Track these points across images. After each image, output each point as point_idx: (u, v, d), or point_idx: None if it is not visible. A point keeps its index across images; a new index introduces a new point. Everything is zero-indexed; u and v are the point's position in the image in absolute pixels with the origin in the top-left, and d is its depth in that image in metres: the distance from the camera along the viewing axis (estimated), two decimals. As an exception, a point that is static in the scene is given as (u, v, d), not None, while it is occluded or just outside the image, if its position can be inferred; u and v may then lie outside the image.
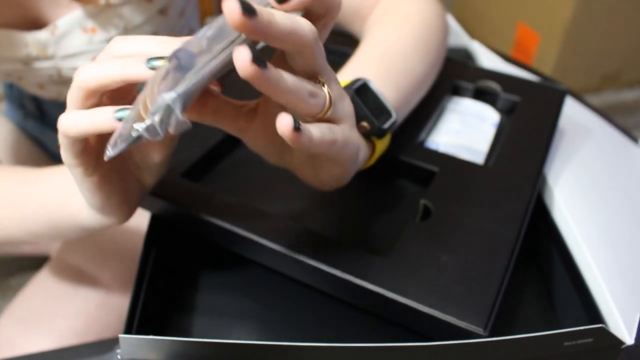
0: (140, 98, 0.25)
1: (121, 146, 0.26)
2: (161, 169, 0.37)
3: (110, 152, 0.26)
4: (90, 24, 0.51)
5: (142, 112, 0.25)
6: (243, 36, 0.26)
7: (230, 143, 0.50)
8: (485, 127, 0.52)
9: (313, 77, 0.29)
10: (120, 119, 0.27)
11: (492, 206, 0.41)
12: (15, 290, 0.97)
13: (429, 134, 0.52)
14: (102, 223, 0.38)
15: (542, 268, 0.45)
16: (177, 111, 0.24)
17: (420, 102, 0.50)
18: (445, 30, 0.52)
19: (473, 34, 0.79)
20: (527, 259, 0.46)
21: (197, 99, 0.31)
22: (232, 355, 0.33)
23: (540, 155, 0.46)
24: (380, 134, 0.39)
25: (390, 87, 0.43)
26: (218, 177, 0.48)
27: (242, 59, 0.23)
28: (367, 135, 0.39)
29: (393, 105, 0.41)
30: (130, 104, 0.27)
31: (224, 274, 0.45)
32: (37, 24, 0.51)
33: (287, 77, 0.26)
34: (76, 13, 0.51)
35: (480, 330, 0.32)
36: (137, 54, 0.28)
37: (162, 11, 0.57)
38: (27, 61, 0.52)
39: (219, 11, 1.03)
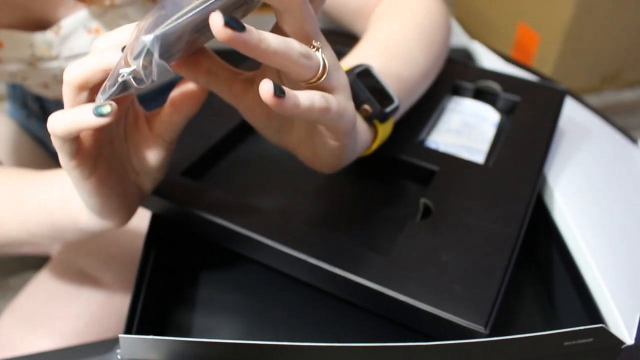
0: (128, 46, 0.26)
1: (110, 91, 0.27)
2: (159, 173, 0.37)
3: (100, 98, 0.27)
4: (94, 24, 0.52)
5: (128, 58, 0.26)
6: None
7: (230, 142, 0.50)
8: (486, 127, 0.52)
9: (307, 42, 0.29)
10: (99, 114, 0.27)
11: (492, 205, 0.41)
12: (15, 290, 0.97)
13: (429, 133, 0.52)
14: (101, 226, 0.38)
15: (542, 268, 0.45)
16: (156, 54, 0.25)
17: (421, 100, 0.50)
18: (447, 27, 0.52)
19: (473, 34, 0.79)
20: (527, 259, 0.46)
21: (190, 56, 0.31)
22: (232, 355, 0.33)
23: (540, 155, 0.46)
24: (382, 117, 0.39)
25: (392, 75, 0.43)
26: (218, 175, 0.48)
27: (216, 23, 0.24)
28: (369, 119, 0.39)
29: (395, 92, 0.41)
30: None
31: (224, 273, 0.45)
32: (42, 24, 0.51)
33: (272, 38, 0.26)
34: (80, 14, 0.51)
35: (480, 329, 0.32)
36: (116, 45, 0.28)
37: None
38: (32, 61, 0.52)
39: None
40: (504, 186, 0.43)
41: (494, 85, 0.55)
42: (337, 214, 0.44)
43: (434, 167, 0.45)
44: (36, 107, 0.71)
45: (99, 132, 0.32)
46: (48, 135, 0.73)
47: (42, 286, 0.61)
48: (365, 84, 0.39)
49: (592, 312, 0.38)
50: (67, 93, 0.29)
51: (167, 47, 0.26)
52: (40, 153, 0.74)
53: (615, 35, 1.46)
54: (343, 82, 0.32)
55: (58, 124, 0.29)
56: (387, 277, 0.35)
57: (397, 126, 0.44)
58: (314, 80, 0.29)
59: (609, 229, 0.42)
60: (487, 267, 0.36)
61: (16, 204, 0.42)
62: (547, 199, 0.46)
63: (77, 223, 0.39)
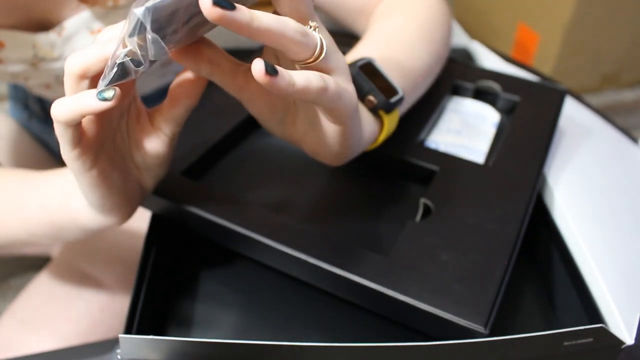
0: (123, 28, 0.26)
1: (109, 76, 0.27)
2: (161, 169, 0.37)
3: (101, 84, 0.27)
4: (97, 25, 0.52)
5: (125, 40, 0.26)
6: None
7: (230, 142, 0.50)
8: (486, 126, 0.52)
9: (303, 22, 0.29)
10: (102, 99, 0.27)
11: (492, 205, 0.41)
12: (15, 290, 0.97)
13: (429, 133, 0.52)
14: (101, 223, 0.38)
15: (542, 268, 0.45)
16: (148, 26, 0.25)
17: (421, 100, 0.50)
18: (449, 25, 0.53)
19: (473, 34, 0.79)
20: (527, 259, 0.46)
21: (190, 45, 0.31)
22: (232, 355, 0.33)
23: (540, 155, 0.46)
24: (388, 107, 0.39)
25: (395, 68, 0.43)
26: (217, 175, 0.48)
27: (205, 2, 0.24)
28: (374, 110, 0.39)
29: (399, 85, 0.41)
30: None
31: (224, 272, 0.45)
32: (45, 25, 0.51)
33: (265, 17, 0.26)
34: (84, 15, 0.51)
35: (480, 329, 0.32)
36: (116, 36, 0.28)
37: None
38: (34, 62, 0.52)
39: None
40: (504, 186, 0.43)
41: (494, 85, 0.55)
42: (337, 213, 0.44)
43: (434, 167, 0.45)
44: (37, 109, 0.71)
45: (102, 121, 0.32)
46: (50, 136, 0.74)
47: (43, 287, 0.61)
48: (368, 76, 0.39)
49: (592, 312, 0.38)
50: (68, 82, 0.29)
51: (161, 23, 0.26)
52: (41, 154, 0.74)
53: (615, 35, 1.46)
54: (342, 64, 0.32)
55: (61, 109, 0.29)
56: (387, 277, 0.35)
57: (398, 126, 0.44)
58: (311, 60, 0.29)
59: (609, 229, 0.42)
60: (487, 267, 0.36)
61: (16, 204, 0.42)
62: (547, 199, 0.46)
63: (77, 221, 0.39)
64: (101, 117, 0.32)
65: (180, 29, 0.28)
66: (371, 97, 0.38)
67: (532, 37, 1.52)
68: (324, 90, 0.29)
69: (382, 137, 0.41)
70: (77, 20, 0.51)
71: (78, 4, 0.51)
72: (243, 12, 0.25)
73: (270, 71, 0.26)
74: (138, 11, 0.25)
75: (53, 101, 0.69)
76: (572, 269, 0.41)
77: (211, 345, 0.32)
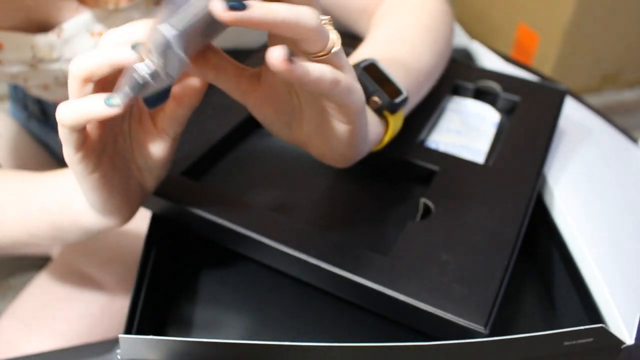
0: (144, 42, 0.26)
1: (125, 90, 0.27)
2: (162, 170, 0.37)
3: (116, 96, 0.27)
4: (98, 27, 0.52)
5: (145, 54, 0.26)
6: None
7: (230, 142, 0.50)
8: (486, 126, 0.52)
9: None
10: (110, 105, 0.28)
11: (492, 205, 0.41)
12: (16, 290, 0.97)
13: (429, 133, 0.52)
14: (102, 224, 0.38)
15: (542, 268, 0.45)
16: (180, 51, 0.25)
17: (421, 101, 0.50)
18: (451, 25, 0.53)
19: (473, 34, 0.79)
20: (527, 259, 0.46)
21: (198, 53, 0.31)
22: (232, 355, 0.33)
23: (540, 155, 0.46)
24: (392, 108, 0.39)
25: (398, 69, 0.43)
26: (218, 175, 0.48)
27: (217, 9, 0.24)
28: (379, 110, 0.39)
29: (402, 85, 0.41)
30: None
31: (224, 272, 0.45)
32: (45, 26, 0.51)
33: (279, 7, 0.26)
34: (84, 16, 0.51)
35: (480, 329, 0.32)
36: (124, 41, 0.28)
37: None
38: (33, 63, 0.52)
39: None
40: (504, 186, 0.43)
41: (494, 85, 0.55)
42: (337, 214, 0.44)
43: (434, 167, 0.45)
44: (36, 110, 0.71)
45: (106, 125, 0.32)
46: (49, 137, 0.74)
47: (43, 287, 0.61)
48: (372, 77, 0.39)
49: (592, 312, 0.38)
50: (72, 85, 0.29)
51: (185, 41, 0.26)
52: (41, 154, 0.74)
53: (615, 35, 1.46)
54: (350, 64, 0.32)
55: (67, 113, 0.29)
56: (387, 277, 0.35)
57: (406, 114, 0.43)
58: (324, 53, 0.29)
59: (609, 228, 0.42)
60: (487, 267, 0.36)
61: (17, 206, 0.42)
62: (547, 199, 0.46)
63: (78, 222, 0.39)
64: (105, 121, 0.32)
65: (197, 41, 0.28)
66: (376, 98, 0.38)
67: (532, 37, 1.52)
68: (336, 82, 0.29)
69: (388, 137, 0.41)
70: (77, 22, 0.51)
71: (77, 6, 0.51)
72: (255, 9, 0.25)
73: (291, 59, 0.26)
74: (167, 33, 0.25)
75: (51, 102, 0.69)
76: (572, 269, 0.41)
77: (211, 345, 0.32)
